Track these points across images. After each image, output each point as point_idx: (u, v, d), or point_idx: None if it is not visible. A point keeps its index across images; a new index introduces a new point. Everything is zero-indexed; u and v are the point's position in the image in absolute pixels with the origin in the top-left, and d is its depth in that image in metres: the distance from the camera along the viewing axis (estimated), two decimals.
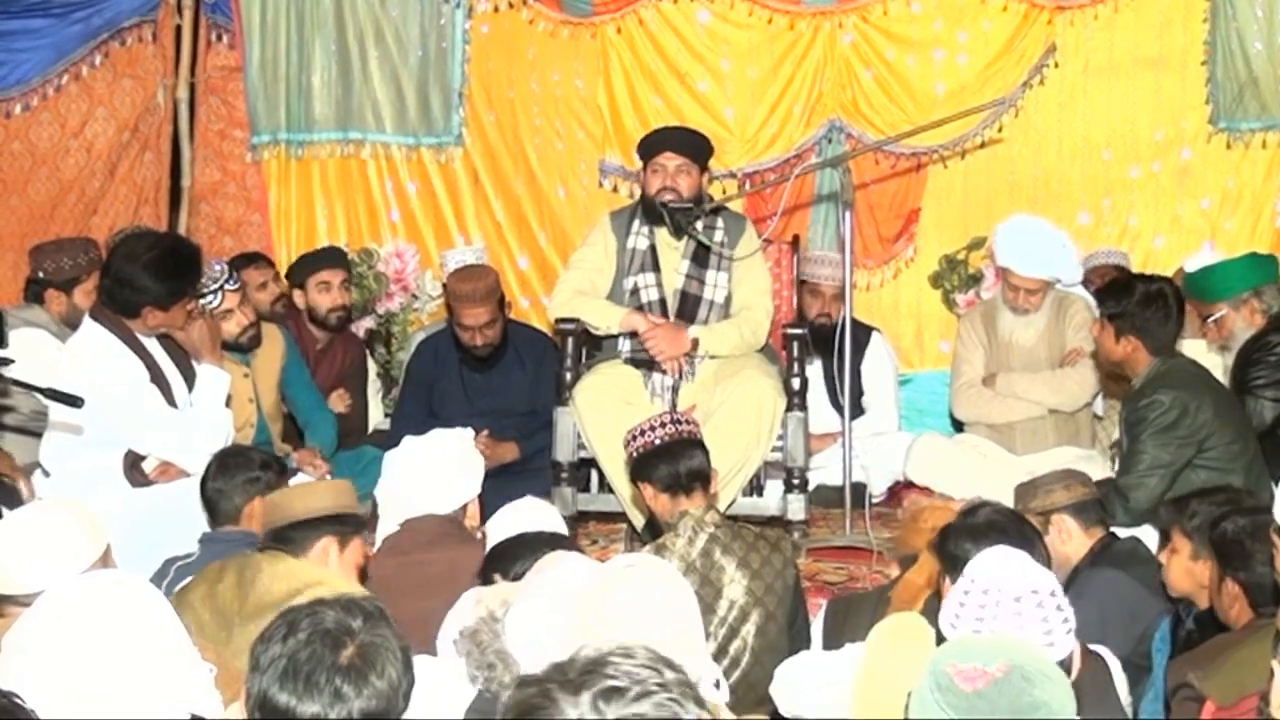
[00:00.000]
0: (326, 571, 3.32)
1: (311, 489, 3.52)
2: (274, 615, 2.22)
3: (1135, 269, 5.65)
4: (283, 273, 5.82)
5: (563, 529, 3.60)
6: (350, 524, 3.47)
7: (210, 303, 4.85)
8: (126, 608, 2.23)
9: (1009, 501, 3.58)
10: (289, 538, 3.39)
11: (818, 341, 5.32)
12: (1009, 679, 2.15)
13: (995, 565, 2.64)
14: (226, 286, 4.92)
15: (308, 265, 5.67)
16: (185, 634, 2.31)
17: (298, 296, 5.63)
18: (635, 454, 3.93)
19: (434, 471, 3.86)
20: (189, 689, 2.22)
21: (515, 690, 1.75)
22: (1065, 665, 2.62)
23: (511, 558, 3.29)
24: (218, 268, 4.95)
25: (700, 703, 1.71)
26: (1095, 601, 3.53)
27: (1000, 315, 5.41)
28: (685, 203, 5.00)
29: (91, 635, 2.17)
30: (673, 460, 3.85)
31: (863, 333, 5.61)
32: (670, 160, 5.04)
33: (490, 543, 3.52)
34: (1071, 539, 3.83)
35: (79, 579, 2.41)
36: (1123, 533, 4.08)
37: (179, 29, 6.52)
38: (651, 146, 5.13)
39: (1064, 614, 2.61)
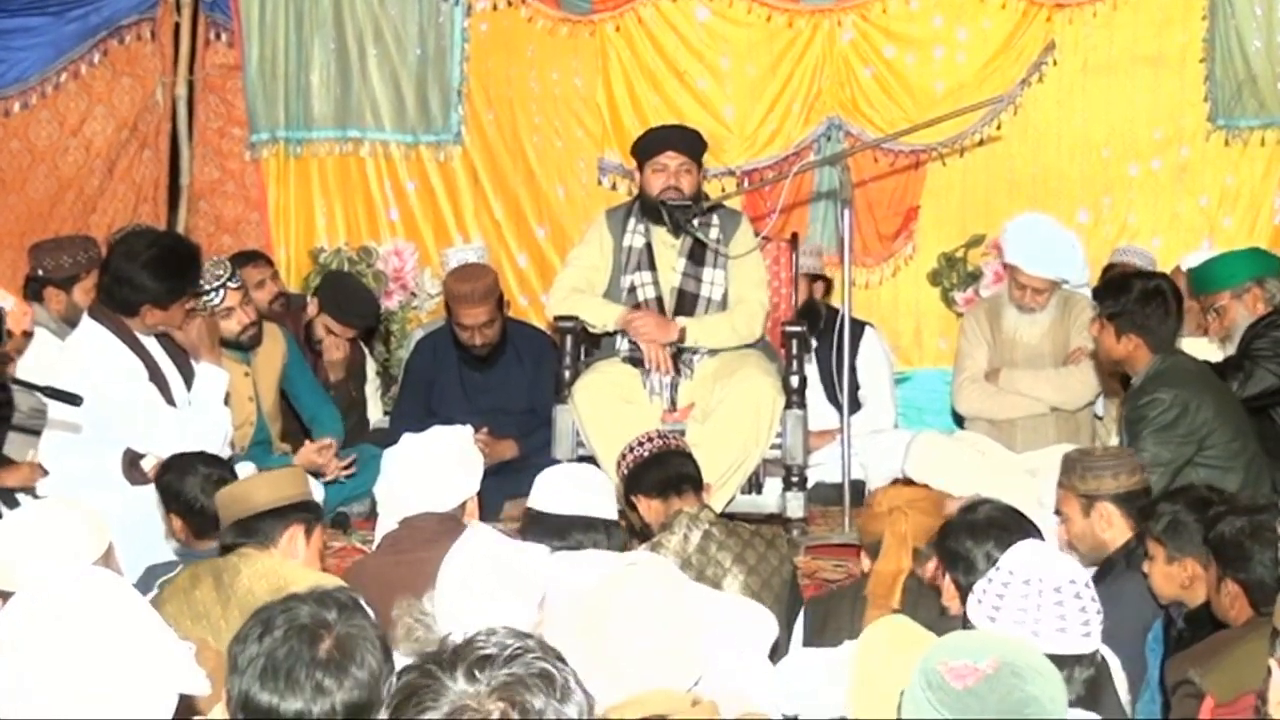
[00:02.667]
0: (306, 570, 3.30)
1: (270, 478, 3.47)
2: None
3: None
4: (283, 271, 5.82)
5: (614, 514, 3.60)
6: (313, 511, 3.48)
7: (212, 300, 4.83)
8: (96, 598, 2.21)
9: (1008, 499, 3.58)
10: (255, 529, 3.34)
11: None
12: (999, 675, 2.15)
13: (1032, 557, 2.70)
14: (229, 284, 4.90)
15: (335, 305, 5.55)
16: (158, 615, 2.29)
17: (311, 306, 5.60)
18: (626, 470, 3.98)
19: (433, 469, 3.84)
20: (172, 668, 2.20)
21: (397, 678, 1.85)
22: (1095, 657, 2.64)
23: (561, 535, 3.37)
24: (220, 266, 4.94)
25: (569, 667, 1.80)
26: (1133, 608, 3.50)
27: (1005, 311, 5.41)
28: (685, 200, 4.99)
29: (66, 630, 2.15)
30: (662, 467, 3.94)
31: (856, 328, 5.60)
32: (673, 160, 5.02)
33: (537, 496, 3.54)
34: (1111, 526, 3.77)
35: (41, 578, 2.37)
36: None
37: (178, 27, 6.52)
38: (651, 146, 5.09)
39: (1097, 604, 2.67)
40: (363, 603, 2.25)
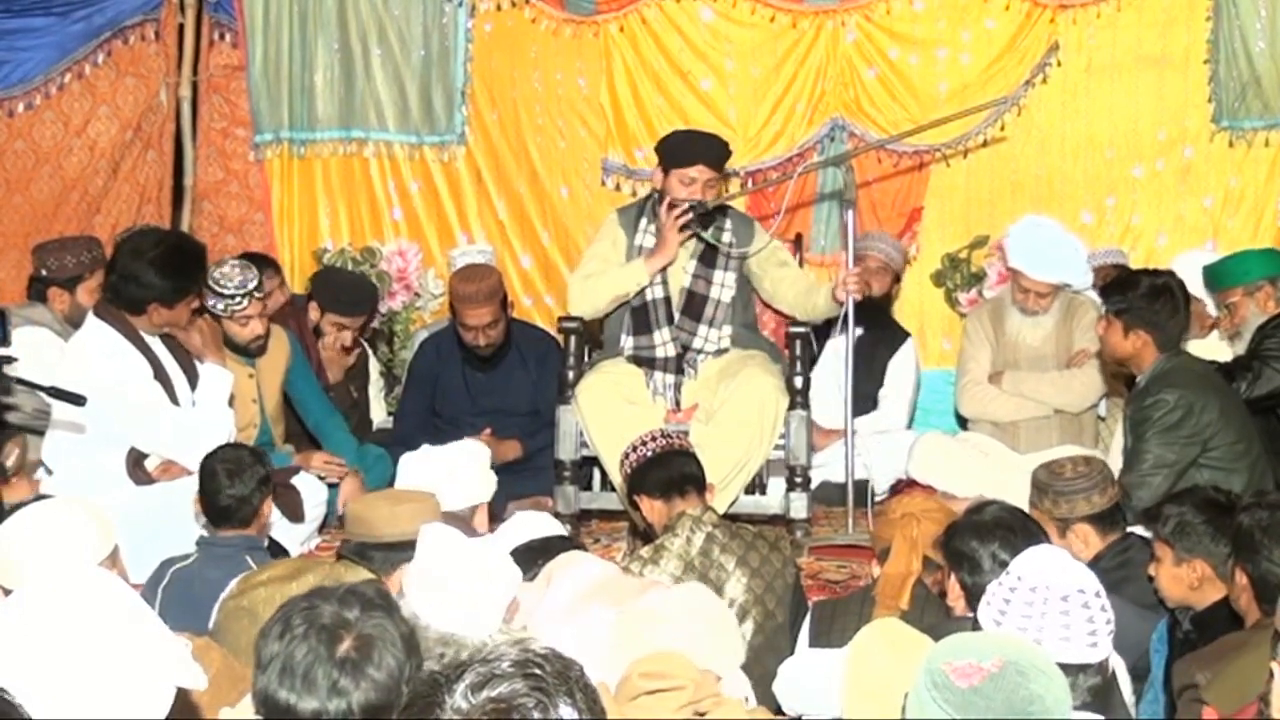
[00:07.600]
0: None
1: (401, 511, 3.32)
2: None
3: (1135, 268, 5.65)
4: (287, 272, 5.81)
5: (562, 532, 3.67)
6: None
7: (235, 305, 4.80)
8: (89, 596, 2.21)
9: (1011, 500, 3.58)
10: (371, 557, 3.26)
11: (861, 310, 5.10)
12: (1004, 674, 2.15)
13: (1042, 564, 2.70)
14: (255, 294, 4.85)
15: (337, 301, 5.56)
16: (151, 611, 2.29)
17: (312, 309, 5.58)
18: (630, 469, 3.98)
19: (449, 468, 3.85)
20: (167, 664, 2.21)
21: (415, 685, 1.94)
22: (1104, 665, 2.64)
23: (526, 565, 3.34)
24: (250, 272, 4.85)
25: (576, 694, 1.82)
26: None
27: (1008, 314, 5.41)
28: (704, 208, 4.97)
29: (60, 628, 2.15)
30: (665, 467, 3.93)
31: (899, 335, 5.68)
32: (702, 174, 4.98)
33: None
34: (1088, 546, 3.79)
35: (37, 579, 2.37)
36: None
37: (182, 27, 6.52)
38: (682, 156, 5.01)
39: (1107, 614, 2.67)
40: (392, 599, 2.25)
